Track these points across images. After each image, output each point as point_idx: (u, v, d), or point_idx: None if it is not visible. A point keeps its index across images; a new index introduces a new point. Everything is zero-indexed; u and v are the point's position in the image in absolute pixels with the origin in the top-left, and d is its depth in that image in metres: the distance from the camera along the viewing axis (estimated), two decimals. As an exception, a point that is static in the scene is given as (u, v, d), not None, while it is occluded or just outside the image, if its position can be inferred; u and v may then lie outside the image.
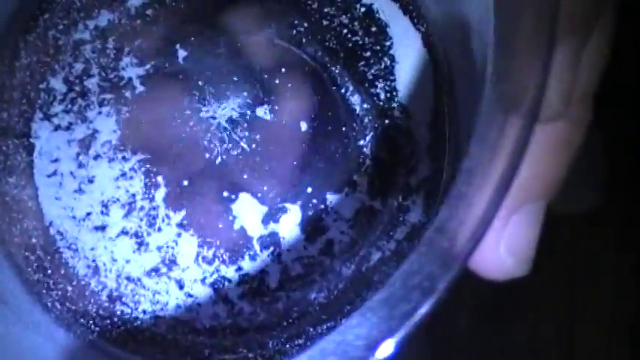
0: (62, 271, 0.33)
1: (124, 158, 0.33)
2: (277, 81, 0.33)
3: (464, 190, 0.20)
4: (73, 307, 0.33)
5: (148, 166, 0.33)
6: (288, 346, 0.33)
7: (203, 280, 0.33)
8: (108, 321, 0.33)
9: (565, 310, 0.93)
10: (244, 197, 0.33)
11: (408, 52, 0.33)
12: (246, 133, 0.33)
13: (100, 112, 0.33)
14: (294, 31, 0.33)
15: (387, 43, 0.33)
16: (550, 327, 0.93)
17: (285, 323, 0.33)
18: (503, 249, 0.24)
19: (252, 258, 0.33)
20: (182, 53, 0.33)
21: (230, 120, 0.33)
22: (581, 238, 0.94)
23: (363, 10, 0.33)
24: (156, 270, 0.33)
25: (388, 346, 0.19)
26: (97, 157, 0.33)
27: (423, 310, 0.19)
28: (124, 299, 0.33)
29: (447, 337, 0.93)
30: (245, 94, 0.33)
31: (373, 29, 0.33)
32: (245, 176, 0.33)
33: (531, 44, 0.21)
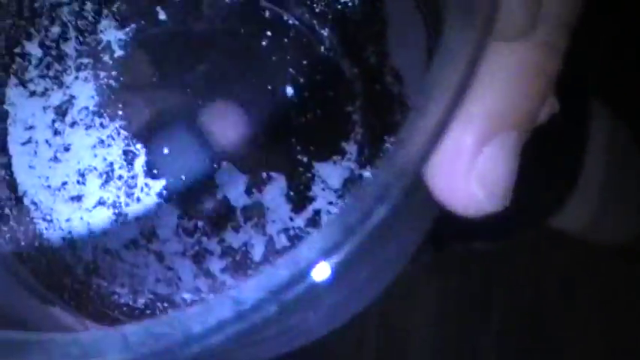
0: (36, 244, 0.31)
1: (101, 125, 0.32)
2: (263, 44, 0.32)
3: (423, 104, 0.20)
4: (47, 281, 0.31)
5: (126, 133, 0.32)
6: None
7: (184, 253, 0.31)
8: (84, 295, 0.31)
9: (600, 347, 0.91)
10: (227, 166, 0.31)
11: (399, 16, 0.32)
12: (230, 98, 0.32)
13: (77, 77, 0.32)
14: (282, -7, 0.32)
15: (378, 5, 0.32)
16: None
17: (269, 298, 0.31)
18: (474, 181, 0.22)
19: (236, 230, 0.31)
20: (163, 15, 0.32)
21: (213, 85, 0.32)
22: (619, 270, 0.92)
23: (353, -30, 0.32)
24: (134, 242, 0.31)
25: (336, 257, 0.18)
26: (73, 124, 0.32)
27: (377, 216, 0.19)
28: (100, 273, 0.31)
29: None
30: (229, 57, 0.32)
31: (364, -9, 0.32)
32: (228, 144, 0.32)
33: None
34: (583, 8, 0.24)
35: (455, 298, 0.94)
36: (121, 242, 0.31)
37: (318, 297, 0.20)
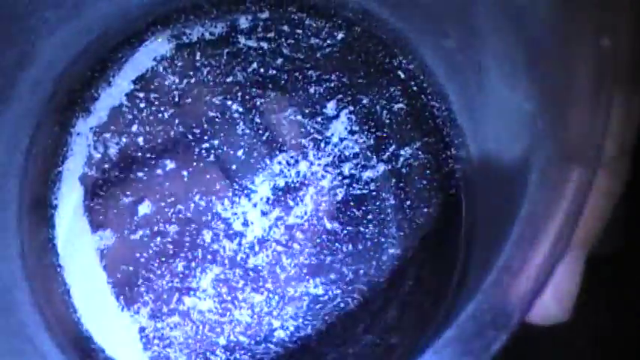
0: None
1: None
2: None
3: (527, 231, 0.22)
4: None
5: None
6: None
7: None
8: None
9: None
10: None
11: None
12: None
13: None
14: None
15: None
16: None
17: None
18: (548, 295, 0.25)
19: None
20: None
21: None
22: (606, 276, 0.93)
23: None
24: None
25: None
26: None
27: (498, 344, 0.20)
28: None
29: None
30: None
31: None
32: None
33: (592, 93, 0.22)
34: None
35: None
36: None
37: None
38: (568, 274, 0.25)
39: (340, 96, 0.35)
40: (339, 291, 0.34)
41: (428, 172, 0.35)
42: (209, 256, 0.35)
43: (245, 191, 0.35)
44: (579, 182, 0.22)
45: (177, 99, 0.36)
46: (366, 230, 0.35)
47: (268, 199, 0.35)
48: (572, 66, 0.23)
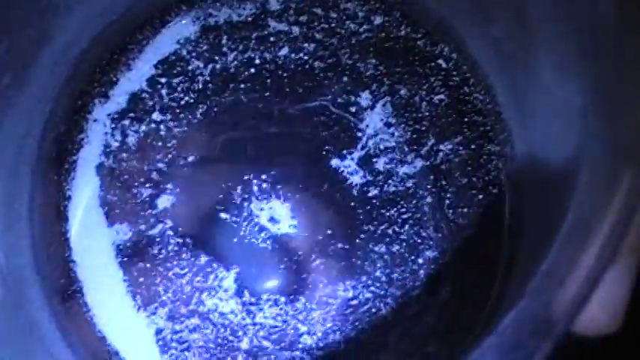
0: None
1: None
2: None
3: (575, 235, 0.20)
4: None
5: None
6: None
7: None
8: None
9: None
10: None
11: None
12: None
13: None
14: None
15: None
16: None
17: None
18: (596, 305, 0.23)
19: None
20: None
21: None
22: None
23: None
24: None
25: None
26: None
27: (540, 355, 0.19)
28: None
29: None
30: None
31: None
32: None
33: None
34: None
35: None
36: None
37: None
38: (618, 282, 0.23)
39: (376, 85, 0.33)
40: (370, 295, 0.32)
41: (469, 169, 0.33)
42: (232, 254, 0.32)
43: (273, 185, 0.33)
44: (632, 183, 0.20)
45: (201, 85, 0.34)
46: (401, 231, 0.32)
47: (298, 193, 0.33)
48: (628, 63, 0.21)
